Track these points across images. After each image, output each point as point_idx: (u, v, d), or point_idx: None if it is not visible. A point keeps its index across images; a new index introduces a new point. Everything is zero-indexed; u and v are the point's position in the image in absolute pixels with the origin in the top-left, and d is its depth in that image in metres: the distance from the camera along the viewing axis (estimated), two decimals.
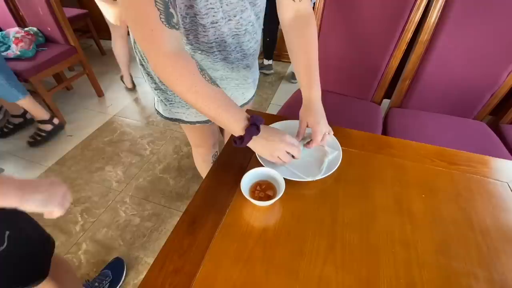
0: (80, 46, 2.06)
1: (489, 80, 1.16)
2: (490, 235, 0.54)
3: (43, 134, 1.84)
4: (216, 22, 0.58)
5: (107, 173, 1.67)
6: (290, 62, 2.46)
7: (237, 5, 0.58)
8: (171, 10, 0.46)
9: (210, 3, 0.54)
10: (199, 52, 0.64)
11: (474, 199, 0.61)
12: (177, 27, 0.48)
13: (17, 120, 1.92)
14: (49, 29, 1.93)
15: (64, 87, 2.27)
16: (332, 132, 0.69)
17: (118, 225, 1.39)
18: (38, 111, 1.79)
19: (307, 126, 0.68)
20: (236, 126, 0.58)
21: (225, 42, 0.63)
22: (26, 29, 1.87)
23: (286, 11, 0.68)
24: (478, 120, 1.28)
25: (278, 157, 0.61)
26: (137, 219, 1.41)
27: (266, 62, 2.52)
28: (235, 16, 0.59)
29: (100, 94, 2.33)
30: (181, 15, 0.54)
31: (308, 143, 0.69)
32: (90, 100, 2.30)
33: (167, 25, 0.46)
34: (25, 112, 1.93)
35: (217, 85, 0.56)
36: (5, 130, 1.90)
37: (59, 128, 1.92)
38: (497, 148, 1.12)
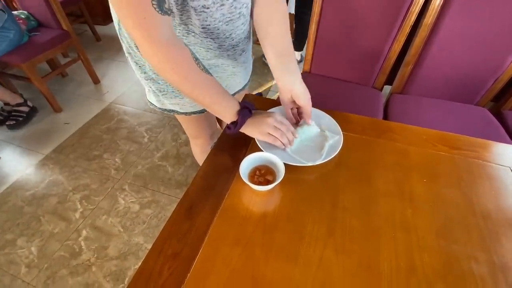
0: (74, 31, 2.00)
1: (493, 64, 1.13)
2: (491, 219, 0.54)
3: (23, 115, 1.88)
4: (208, 8, 0.54)
5: (105, 160, 1.66)
6: None
7: None
8: None
9: None
10: (192, 34, 0.61)
11: (476, 183, 0.60)
12: (169, 12, 0.46)
13: (22, 108, 1.90)
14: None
15: (59, 73, 2.22)
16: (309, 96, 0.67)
17: (117, 212, 1.39)
18: (12, 97, 1.85)
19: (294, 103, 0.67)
20: (229, 112, 0.59)
21: (218, 30, 0.60)
22: (15, 13, 1.80)
23: None
24: (480, 106, 1.27)
25: (269, 133, 0.61)
26: (136, 206, 1.41)
27: (296, 54, 2.27)
28: (228, 0, 0.56)
29: (96, 81, 2.28)
30: None
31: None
32: (86, 87, 2.26)
33: (159, 11, 0.44)
34: (25, 100, 1.91)
35: (210, 73, 0.56)
36: (20, 119, 1.87)
37: (34, 111, 1.96)
38: (498, 134, 1.11)
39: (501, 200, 0.57)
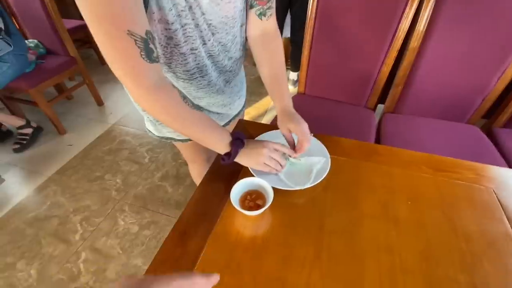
0: (80, 56, 2.10)
1: (480, 84, 1.18)
2: (473, 241, 0.55)
3: (27, 137, 1.93)
4: (196, 49, 0.60)
5: (106, 181, 1.69)
6: (288, 69, 2.49)
7: (209, 30, 0.59)
8: (151, 45, 0.47)
9: (188, 32, 0.55)
10: (182, 80, 0.66)
11: (459, 205, 0.62)
12: (157, 60, 0.50)
13: (26, 130, 1.94)
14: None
15: (64, 97, 2.30)
16: (312, 134, 0.70)
17: (117, 234, 1.40)
18: (13, 120, 1.91)
19: (291, 132, 0.69)
20: (221, 144, 0.62)
21: (206, 66, 0.65)
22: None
23: (253, 29, 0.71)
24: (471, 124, 1.30)
25: (264, 163, 0.63)
26: (135, 227, 1.43)
27: (292, 75, 2.40)
28: (209, 40, 0.61)
29: (100, 103, 2.36)
30: (161, 44, 0.55)
31: (298, 148, 0.68)
32: (90, 109, 2.34)
33: (148, 61, 0.47)
34: (29, 121, 1.96)
35: (199, 109, 0.60)
36: (24, 142, 1.92)
37: (39, 130, 2.00)
38: (489, 152, 1.13)
39: (483, 221, 0.59)
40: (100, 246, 1.35)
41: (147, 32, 0.46)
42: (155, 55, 0.49)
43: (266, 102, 2.34)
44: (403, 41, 1.17)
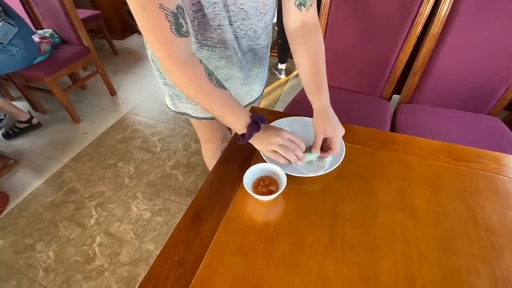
0: (94, 46, 2.12)
1: (504, 73, 1.12)
2: (495, 232, 0.53)
3: (16, 130, 2.00)
4: (223, 26, 0.62)
5: (119, 169, 1.72)
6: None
7: (239, 13, 0.61)
8: (181, 20, 0.50)
9: (217, 10, 0.58)
10: (206, 48, 0.67)
11: (480, 195, 0.60)
12: (186, 34, 0.52)
13: (22, 125, 2.00)
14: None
15: (78, 86, 2.35)
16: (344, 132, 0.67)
17: (130, 219, 1.44)
18: (19, 113, 1.97)
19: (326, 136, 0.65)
20: (239, 124, 0.62)
21: (227, 43, 0.66)
22: (40, 32, 1.94)
23: (292, 20, 0.69)
24: (492, 115, 1.24)
25: (272, 151, 0.62)
26: (148, 214, 1.46)
27: (280, 66, 2.41)
28: (235, 22, 0.62)
29: (112, 92, 2.39)
30: (189, 13, 0.58)
31: (325, 151, 0.66)
32: (103, 98, 2.37)
33: (177, 35, 0.50)
34: (31, 118, 2.02)
35: (224, 87, 0.61)
36: (10, 132, 2.00)
37: (32, 127, 2.05)
38: (511, 144, 1.08)
39: (507, 213, 0.57)
40: (114, 231, 1.39)
41: (178, 7, 0.48)
42: (184, 29, 0.51)
43: (276, 93, 2.31)
44: (423, 27, 1.12)
